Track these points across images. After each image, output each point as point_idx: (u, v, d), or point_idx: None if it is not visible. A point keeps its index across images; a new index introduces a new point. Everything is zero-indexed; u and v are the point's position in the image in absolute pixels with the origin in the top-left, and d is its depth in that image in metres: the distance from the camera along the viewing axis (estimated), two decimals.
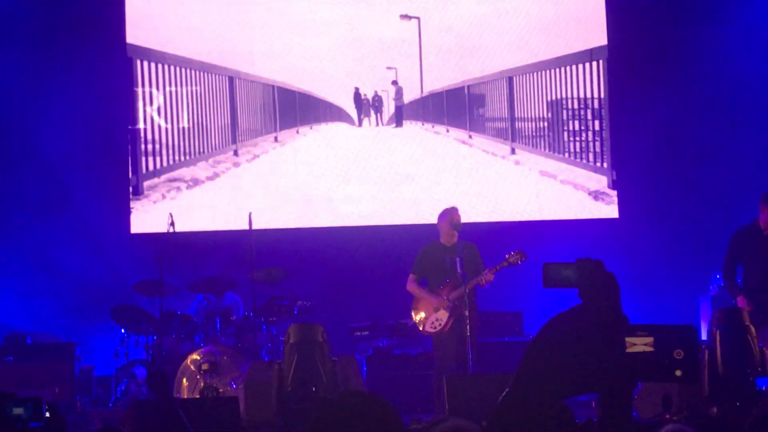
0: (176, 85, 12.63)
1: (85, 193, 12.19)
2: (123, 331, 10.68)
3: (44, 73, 12.33)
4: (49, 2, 12.47)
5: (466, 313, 9.06)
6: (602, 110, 12.83)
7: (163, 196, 12.51)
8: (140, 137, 12.52)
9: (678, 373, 2.15)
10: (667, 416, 7.65)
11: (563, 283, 2.41)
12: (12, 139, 12.26)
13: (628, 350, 2.19)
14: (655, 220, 12.60)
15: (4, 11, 12.25)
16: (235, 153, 12.80)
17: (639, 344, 2.18)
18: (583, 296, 2.41)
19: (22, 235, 12.01)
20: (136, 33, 12.60)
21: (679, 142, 12.74)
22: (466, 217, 9.76)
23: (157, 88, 12.58)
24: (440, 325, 9.29)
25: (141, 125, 12.51)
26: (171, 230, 10.31)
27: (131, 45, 12.54)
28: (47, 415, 3.33)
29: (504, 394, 2.34)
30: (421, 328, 9.52)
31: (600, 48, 12.76)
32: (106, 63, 12.40)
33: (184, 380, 9.49)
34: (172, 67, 12.67)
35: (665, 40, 12.85)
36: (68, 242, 12.07)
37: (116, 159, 12.46)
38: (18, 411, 3.35)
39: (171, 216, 10.37)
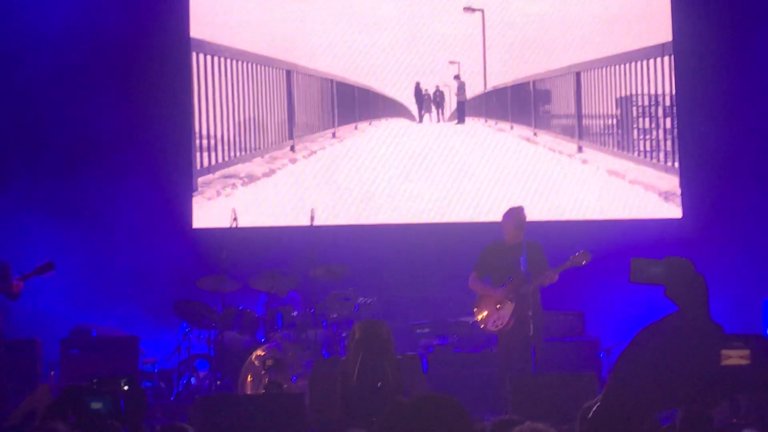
0: (233, 79, 12.62)
1: (147, 188, 12.27)
2: (185, 325, 10.75)
3: (107, 69, 12.43)
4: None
5: (530, 312, 9.02)
6: (674, 107, 12.66)
7: (218, 193, 12.51)
8: (195, 133, 12.56)
9: None
10: (735, 421, 7.53)
11: (650, 279, 2.35)
12: (76, 135, 12.36)
13: (724, 362, 2.13)
14: (719, 220, 12.44)
15: (65, 6, 12.34)
16: (292, 149, 12.74)
17: (735, 356, 2.12)
18: (670, 295, 2.36)
19: (87, 231, 12.11)
20: (197, 27, 12.62)
21: (747, 141, 12.56)
22: (530, 216, 9.69)
23: (213, 82, 12.59)
24: (502, 323, 9.25)
25: (196, 120, 12.54)
26: (234, 225, 10.36)
27: (194, 39, 12.59)
28: (125, 388, 3.35)
29: (596, 407, 2.30)
30: (482, 327, 9.49)
31: (669, 43, 12.60)
32: (169, 57, 12.49)
33: (249, 376, 9.52)
34: (228, 60, 12.62)
35: (733, 36, 12.66)
36: (132, 236, 12.17)
37: (178, 154, 12.53)
38: (97, 405, 3.37)
39: (234, 212, 10.45)
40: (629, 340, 2.32)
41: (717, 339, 2.21)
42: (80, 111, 12.34)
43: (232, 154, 12.62)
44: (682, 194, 12.55)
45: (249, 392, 9.33)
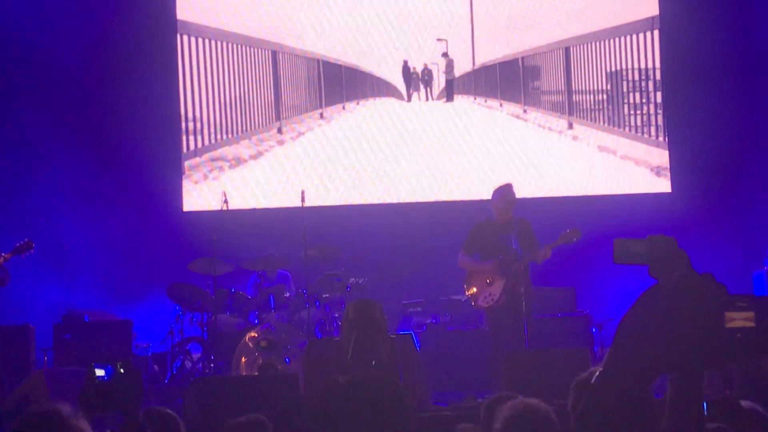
0: (218, 61, 12.54)
1: (137, 172, 12.26)
2: (178, 308, 10.76)
3: (93, 53, 12.39)
4: None
5: (522, 289, 9.04)
6: (661, 82, 12.63)
7: (205, 177, 12.46)
8: (181, 116, 12.50)
9: None
10: (727, 392, 7.56)
11: (634, 259, 2.34)
12: (62, 119, 12.33)
13: (728, 325, 2.12)
14: (709, 194, 12.47)
15: None
16: (279, 131, 12.67)
17: (739, 318, 2.12)
18: (654, 274, 2.35)
19: (79, 216, 12.10)
20: (184, 9, 12.55)
21: (735, 116, 12.58)
22: (519, 193, 9.70)
23: (199, 64, 12.51)
24: (493, 299, 9.25)
25: (182, 103, 12.48)
26: (225, 208, 10.36)
27: (180, 21, 12.51)
28: (121, 371, 3.37)
29: (598, 372, 2.30)
30: (473, 303, 9.50)
31: (657, 17, 12.55)
32: (156, 39, 12.45)
33: (243, 358, 9.54)
34: (213, 42, 12.53)
35: (720, 10, 12.66)
36: (123, 221, 12.17)
37: (166, 137, 12.51)
38: (100, 373, 3.42)
39: (225, 194, 10.44)
40: (621, 314, 2.32)
41: (721, 300, 2.18)
42: (67, 95, 12.31)
43: (218, 137, 12.55)
44: (670, 168, 12.57)
45: (243, 374, 9.35)
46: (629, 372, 2.18)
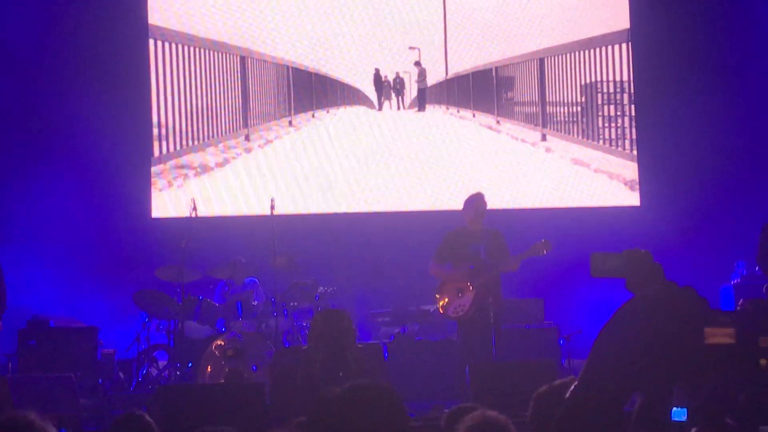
0: (186, 66, 12.42)
1: (106, 177, 12.17)
2: (145, 315, 10.67)
3: (64, 56, 12.31)
4: None
5: (490, 300, 9.05)
6: (631, 95, 12.60)
7: (170, 184, 12.33)
8: (153, 121, 12.36)
9: (763, 362, 2.06)
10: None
11: (610, 273, 2.35)
12: (33, 124, 12.23)
13: (708, 341, 2.10)
14: (677, 208, 12.53)
15: None
16: (247, 138, 12.55)
17: (719, 335, 2.09)
18: (630, 287, 2.35)
19: (45, 220, 12.00)
20: (156, 14, 12.43)
21: (704, 130, 12.64)
22: (491, 204, 9.69)
23: (167, 69, 12.37)
24: (463, 311, 9.25)
25: (154, 108, 12.35)
26: (193, 215, 10.30)
27: (151, 26, 12.41)
28: None
29: (574, 386, 2.28)
30: (443, 313, 9.50)
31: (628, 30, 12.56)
32: (127, 44, 12.38)
33: (209, 366, 9.47)
34: (181, 47, 12.39)
35: (690, 23, 12.72)
36: (90, 226, 12.07)
37: (135, 142, 12.42)
38: None
39: (193, 201, 10.40)
40: (590, 326, 2.30)
41: (701, 315, 2.17)
42: (36, 98, 12.21)
43: (184, 143, 12.39)
44: (639, 182, 12.61)
45: (209, 382, 9.28)
46: (606, 387, 2.16)
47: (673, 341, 2.10)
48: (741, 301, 9.20)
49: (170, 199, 12.27)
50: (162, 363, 10.57)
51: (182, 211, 10.77)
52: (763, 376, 1.98)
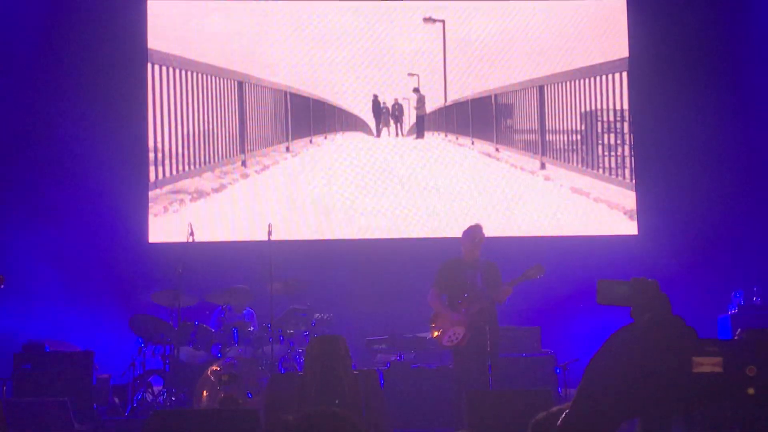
0: (184, 91, 12.41)
1: (103, 201, 12.17)
2: (140, 340, 10.64)
3: (64, 80, 12.33)
4: (70, 8, 12.46)
5: (486, 328, 9.03)
6: (628, 123, 12.60)
7: (165, 209, 12.28)
8: (150, 146, 12.34)
9: (751, 391, 2.05)
10: None
11: (617, 301, 2.34)
12: (30, 145, 12.25)
13: (695, 370, 2.10)
14: (674, 237, 12.52)
15: (24, 13, 12.24)
16: (243, 164, 12.50)
17: (707, 364, 2.09)
18: (635, 316, 2.34)
19: (41, 244, 11.99)
20: (155, 39, 12.44)
21: (702, 158, 12.67)
22: (488, 232, 9.68)
23: (165, 94, 12.36)
24: (457, 338, 9.24)
25: (151, 133, 12.32)
26: (191, 240, 10.29)
27: (151, 50, 12.42)
28: None
29: (565, 414, 2.28)
30: (438, 342, 9.50)
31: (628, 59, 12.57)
32: (126, 68, 12.41)
33: (204, 392, 9.44)
34: (180, 71, 12.37)
35: (687, 52, 12.76)
36: (87, 251, 12.07)
37: (133, 167, 12.42)
38: None
39: (191, 226, 10.39)
40: (586, 354, 2.31)
41: (689, 344, 2.17)
42: (34, 122, 12.22)
43: (180, 168, 12.34)
44: (637, 211, 12.61)
45: (204, 408, 9.25)
46: (596, 414, 2.16)
47: (660, 370, 2.10)
48: (738, 331, 9.17)
49: (167, 224, 12.25)
50: (157, 388, 10.52)
51: (179, 236, 10.75)
52: (753, 406, 1.97)
